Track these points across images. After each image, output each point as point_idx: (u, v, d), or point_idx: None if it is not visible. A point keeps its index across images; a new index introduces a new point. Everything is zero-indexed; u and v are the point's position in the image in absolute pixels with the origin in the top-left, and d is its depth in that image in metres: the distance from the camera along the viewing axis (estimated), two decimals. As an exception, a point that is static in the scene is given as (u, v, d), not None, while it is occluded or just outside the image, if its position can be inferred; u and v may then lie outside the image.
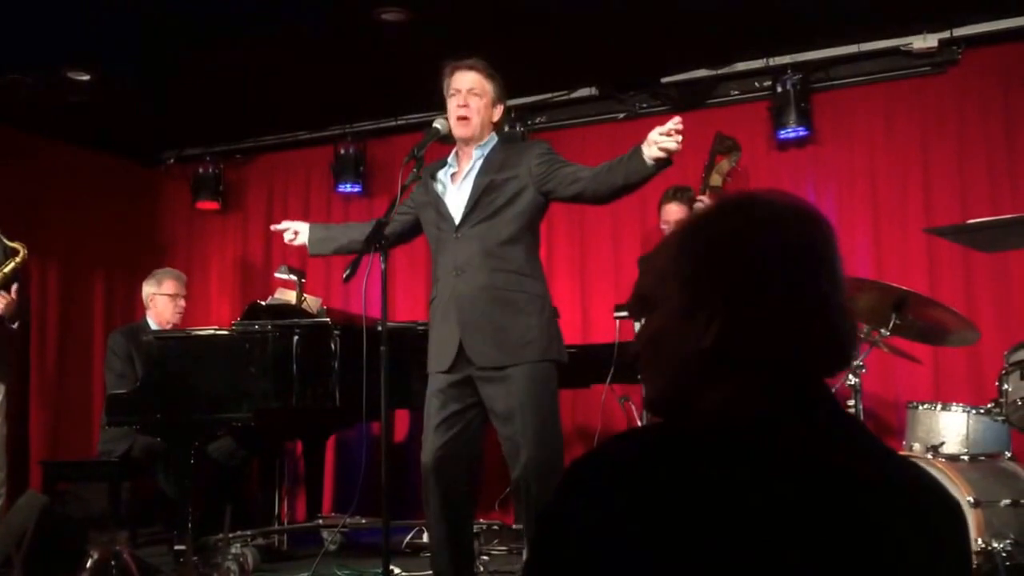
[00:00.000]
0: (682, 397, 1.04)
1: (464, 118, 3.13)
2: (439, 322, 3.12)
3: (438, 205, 3.17)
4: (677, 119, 2.84)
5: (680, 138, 2.82)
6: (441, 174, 3.23)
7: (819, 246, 1.04)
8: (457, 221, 3.11)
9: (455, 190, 3.17)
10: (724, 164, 4.53)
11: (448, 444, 3.08)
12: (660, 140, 2.83)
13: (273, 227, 3.60)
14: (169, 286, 4.98)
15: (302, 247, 3.56)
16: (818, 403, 0.99)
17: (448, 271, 3.10)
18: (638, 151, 2.89)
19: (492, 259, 3.06)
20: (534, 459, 2.97)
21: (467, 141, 3.18)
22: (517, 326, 3.02)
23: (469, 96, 3.13)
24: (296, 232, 3.48)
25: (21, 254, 4.58)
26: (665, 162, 2.87)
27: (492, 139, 3.22)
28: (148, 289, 5.01)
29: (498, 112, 3.22)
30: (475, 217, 3.09)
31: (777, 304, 0.98)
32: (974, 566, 3.07)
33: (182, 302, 5.03)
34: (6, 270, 4.55)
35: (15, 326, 4.59)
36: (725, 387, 0.99)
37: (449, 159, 3.25)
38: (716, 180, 4.47)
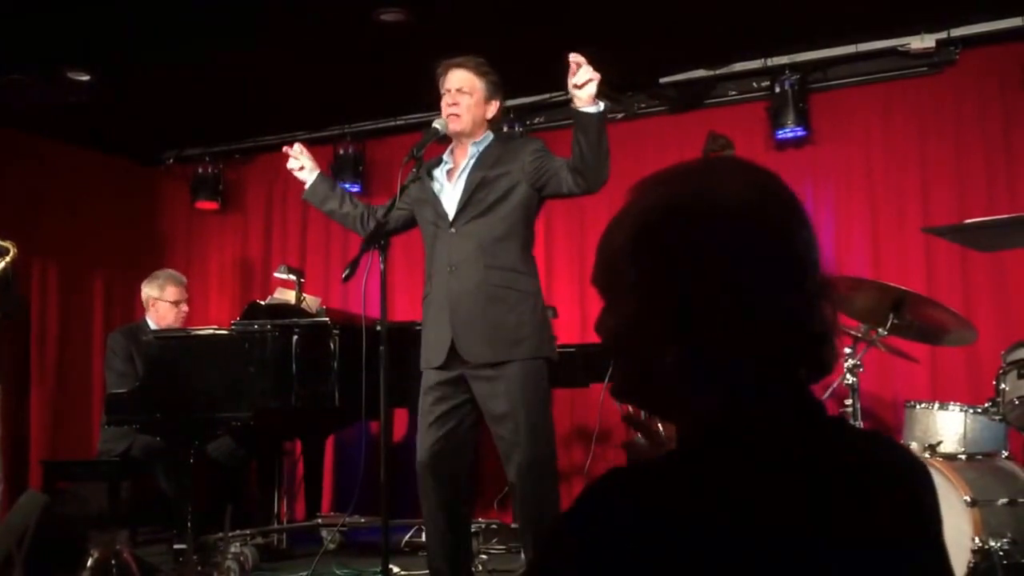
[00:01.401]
0: (650, 396, 0.99)
1: (453, 116, 3.14)
2: (432, 319, 3.13)
3: (434, 202, 3.18)
4: (571, 56, 2.85)
5: (584, 66, 2.82)
6: (437, 171, 3.23)
7: (785, 238, 0.93)
8: (451, 217, 3.12)
9: (451, 187, 3.18)
10: (718, 163, 4.54)
11: (443, 441, 3.08)
12: (575, 76, 2.83)
13: (286, 149, 3.52)
14: (172, 292, 4.95)
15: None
16: (797, 401, 0.95)
17: (442, 267, 3.11)
18: (574, 112, 2.90)
19: (486, 256, 3.06)
20: (528, 458, 2.98)
21: (460, 138, 3.20)
22: (510, 323, 3.03)
23: (458, 95, 3.14)
24: (302, 167, 3.46)
25: (11, 252, 4.58)
26: (602, 101, 2.86)
27: (488, 137, 3.23)
28: (149, 292, 4.97)
29: (492, 108, 3.22)
30: (469, 213, 3.10)
31: (738, 316, 0.89)
32: (971, 565, 3.09)
33: (185, 307, 5.00)
34: None
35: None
36: (694, 394, 0.94)
37: (445, 156, 3.26)
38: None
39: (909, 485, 0.97)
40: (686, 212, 0.92)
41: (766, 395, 0.93)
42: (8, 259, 4.57)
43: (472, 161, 3.17)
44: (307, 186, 3.46)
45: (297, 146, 3.49)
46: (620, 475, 0.90)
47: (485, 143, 3.20)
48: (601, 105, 2.87)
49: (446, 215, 3.14)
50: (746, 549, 0.84)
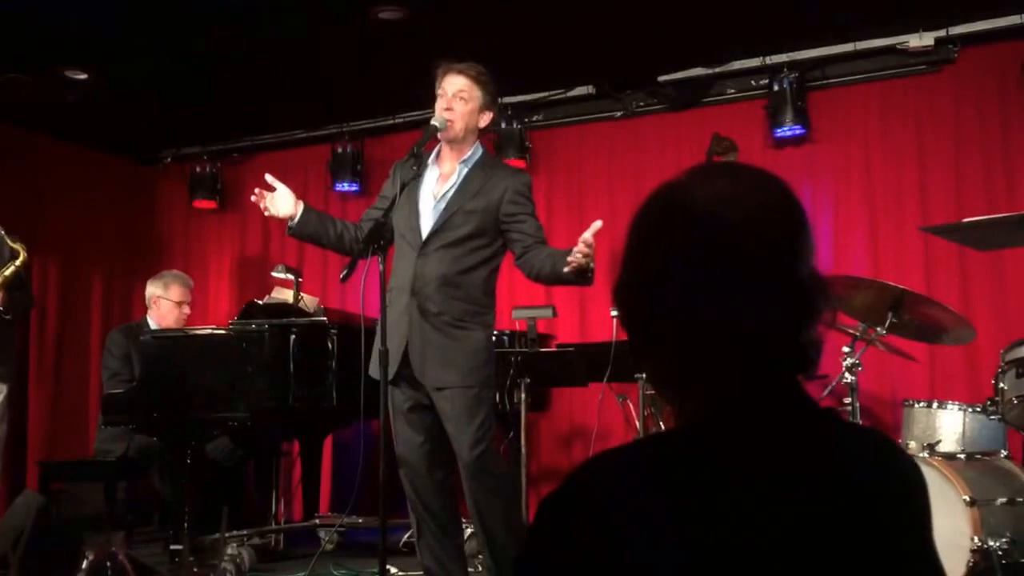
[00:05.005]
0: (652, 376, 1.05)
1: (448, 121, 3.13)
2: (388, 334, 3.07)
3: (411, 212, 3.16)
4: (596, 224, 2.88)
5: (588, 252, 2.84)
6: (424, 184, 3.20)
7: (743, 247, 0.94)
8: (423, 238, 3.11)
9: (432, 205, 3.16)
10: (721, 165, 4.55)
11: (423, 438, 3.13)
12: (574, 255, 2.86)
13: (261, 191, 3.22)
14: (176, 292, 4.93)
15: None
16: (783, 395, 0.97)
17: (405, 286, 3.10)
18: (572, 270, 2.92)
19: (449, 287, 3.08)
20: (469, 469, 3.05)
21: (451, 143, 3.18)
22: (464, 353, 3.06)
23: (455, 100, 3.13)
24: (274, 206, 3.17)
25: (21, 257, 4.58)
26: (582, 275, 2.90)
27: (476, 153, 3.21)
28: (153, 290, 4.95)
29: (485, 119, 3.21)
30: (440, 240, 3.09)
31: (704, 309, 0.93)
32: (971, 564, 3.08)
33: (187, 309, 4.97)
34: (7, 273, 4.54)
35: (8, 317, 4.59)
36: (678, 383, 1.00)
37: (430, 161, 3.22)
38: (712, 180, 4.48)
39: (900, 484, 0.97)
40: (663, 207, 0.98)
41: (748, 389, 0.94)
42: (18, 263, 4.57)
43: (456, 184, 3.15)
44: (296, 219, 3.19)
45: (267, 182, 3.23)
46: (599, 460, 0.93)
47: (472, 161, 3.19)
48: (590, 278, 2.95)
49: (419, 234, 3.12)
50: (718, 539, 0.85)
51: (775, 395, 0.96)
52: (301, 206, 3.23)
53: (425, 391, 3.11)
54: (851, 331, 3.72)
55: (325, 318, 4.19)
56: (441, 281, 3.06)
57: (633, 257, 0.99)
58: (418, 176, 3.17)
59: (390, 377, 3.08)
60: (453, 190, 3.15)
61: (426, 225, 3.13)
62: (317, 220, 3.27)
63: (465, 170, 3.18)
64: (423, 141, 3.13)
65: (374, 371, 3.14)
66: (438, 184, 3.20)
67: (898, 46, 4.86)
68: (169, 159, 6.64)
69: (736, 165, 1.03)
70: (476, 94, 3.15)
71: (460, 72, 3.14)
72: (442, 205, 3.14)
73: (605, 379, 4.44)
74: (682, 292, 0.93)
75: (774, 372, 0.95)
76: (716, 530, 0.85)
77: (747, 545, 0.85)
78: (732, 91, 5.32)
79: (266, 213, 3.21)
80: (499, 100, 3.23)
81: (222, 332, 4.09)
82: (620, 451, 0.94)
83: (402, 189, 3.13)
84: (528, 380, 4.25)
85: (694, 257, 0.93)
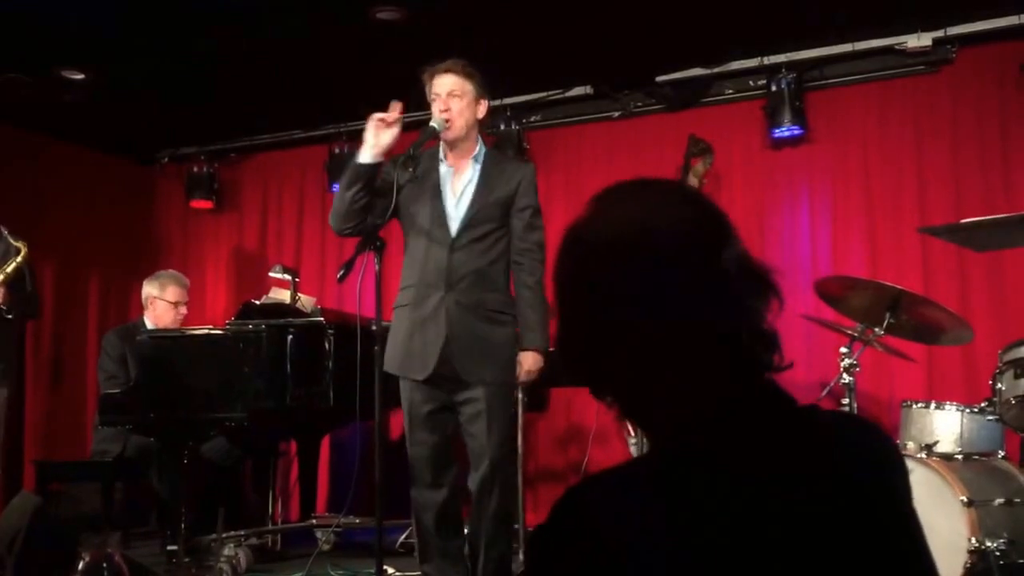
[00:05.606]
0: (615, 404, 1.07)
1: (447, 120, 3.13)
2: (420, 330, 3.10)
3: (435, 210, 3.16)
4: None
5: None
6: (442, 180, 3.20)
7: (685, 255, 0.96)
8: (454, 234, 3.12)
9: (453, 203, 3.17)
10: (699, 167, 4.63)
11: (436, 440, 3.12)
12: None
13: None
14: (172, 293, 4.92)
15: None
16: (754, 397, 0.97)
17: (437, 282, 3.10)
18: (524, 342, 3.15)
19: (484, 280, 3.12)
20: (496, 464, 3.07)
21: (454, 143, 3.19)
22: (503, 346, 3.13)
23: (449, 99, 3.14)
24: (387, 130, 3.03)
25: (22, 252, 4.58)
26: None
27: (483, 149, 3.25)
28: (149, 291, 4.93)
29: (482, 108, 3.23)
30: (471, 234, 3.13)
31: (646, 327, 0.95)
32: (968, 565, 3.08)
33: (184, 309, 4.96)
34: (8, 269, 4.55)
35: (10, 316, 4.58)
36: (640, 405, 1.01)
37: (440, 157, 3.23)
38: (692, 182, 4.58)
39: (878, 466, 0.97)
40: (577, 242, 1.00)
41: (716, 396, 0.95)
42: (19, 260, 4.57)
43: (474, 178, 3.19)
44: (376, 153, 3.02)
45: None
46: (595, 476, 0.93)
47: (482, 158, 3.22)
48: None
49: (448, 230, 3.14)
50: (712, 548, 0.85)
51: (759, 394, 0.96)
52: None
53: (447, 390, 3.11)
54: (849, 332, 3.72)
55: (322, 318, 4.19)
56: (476, 276, 3.11)
57: (568, 304, 1.01)
58: (415, 179, 3.17)
59: (424, 376, 3.09)
60: (473, 185, 3.18)
61: (454, 220, 3.15)
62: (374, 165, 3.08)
63: (479, 165, 3.21)
64: (420, 143, 3.13)
65: (391, 367, 3.14)
66: (456, 180, 3.21)
67: (896, 46, 4.86)
68: (166, 159, 6.64)
69: (642, 181, 1.05)
70: (468, 88, 3.17)
71: (447, 71, 3.16)
72: (466, 200, 3.17)
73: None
74: (630, 310, 0.95)
75: (742, 371, 0.96)
76: (716, 530, 0.85)
77: (747, 545, 0.86)
78: (730, 91, 5.32)
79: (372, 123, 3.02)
80: (497, 100, 3.24)
81: (219, 332, 4.09)
82: (617, 467, 0.95)
83: (399, 191, 3.12)
84: (526, 380, 4.24)
85: (618, 280, 0.95)
